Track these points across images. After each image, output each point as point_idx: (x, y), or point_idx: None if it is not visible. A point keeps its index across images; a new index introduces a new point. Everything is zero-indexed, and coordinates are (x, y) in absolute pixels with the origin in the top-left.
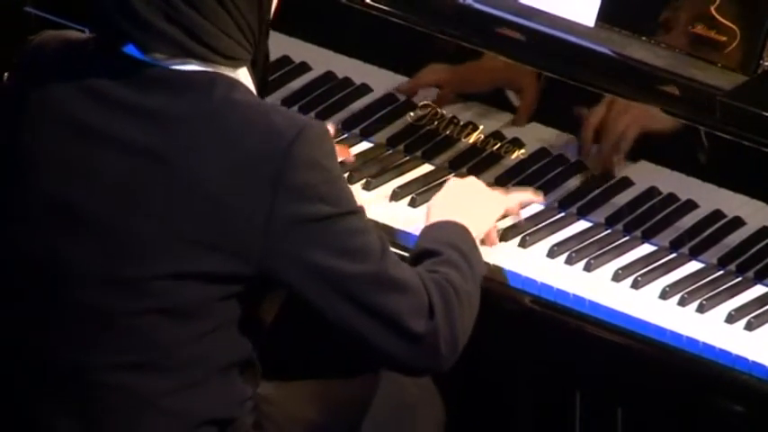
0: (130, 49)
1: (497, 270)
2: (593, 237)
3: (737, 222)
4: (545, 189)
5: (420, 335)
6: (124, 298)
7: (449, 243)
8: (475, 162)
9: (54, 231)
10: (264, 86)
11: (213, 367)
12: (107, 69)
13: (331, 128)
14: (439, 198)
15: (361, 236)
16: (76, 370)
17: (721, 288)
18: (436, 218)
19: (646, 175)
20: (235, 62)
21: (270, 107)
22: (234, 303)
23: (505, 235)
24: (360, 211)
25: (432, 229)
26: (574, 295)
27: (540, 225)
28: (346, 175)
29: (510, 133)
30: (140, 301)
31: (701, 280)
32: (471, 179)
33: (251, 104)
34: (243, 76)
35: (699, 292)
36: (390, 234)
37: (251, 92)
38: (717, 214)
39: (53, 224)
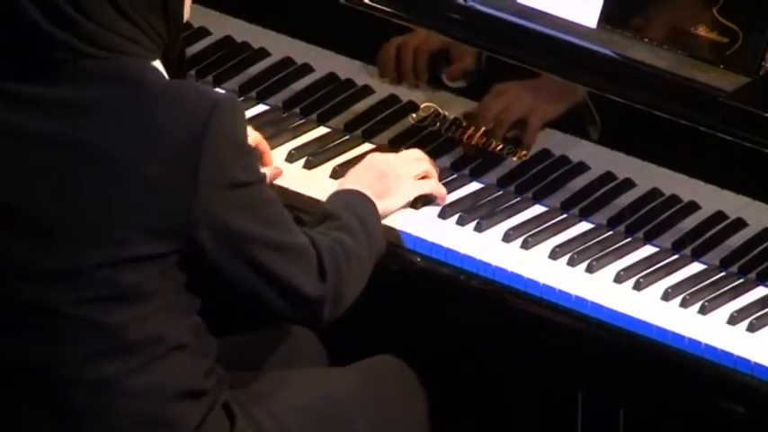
0: None
1: (500, 272)
2: (595, 238)
3: (740, 224)
4: (547, 190)
5: (310, 298)
6: (67, 290)
7: (350, 209)
8: (477, 163)
9: None
10: (176, 77)
11: (167, 344)
12: (16, 68)
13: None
14: (356, 169)
15: (270, 204)
16: (34, 366)
17: (723, 289)
18: (347, 185)
19: (648, 177)
20: (142, 58)
21: (182, 85)
22: (171, 281)
23: (507, 236)
24: (265, 179)
25: (338, 195)
26: (576, 296)
27: (543, 226)
28: None
29: (512, 134)
30: (83, 291)
31: (704, 281)
32: (394, 155)
33: (164, 84)
34: (156, 64)
35: (701, 294)
36: (392, 235)
37: (163, 74)
38: (719, 215)
39: None
